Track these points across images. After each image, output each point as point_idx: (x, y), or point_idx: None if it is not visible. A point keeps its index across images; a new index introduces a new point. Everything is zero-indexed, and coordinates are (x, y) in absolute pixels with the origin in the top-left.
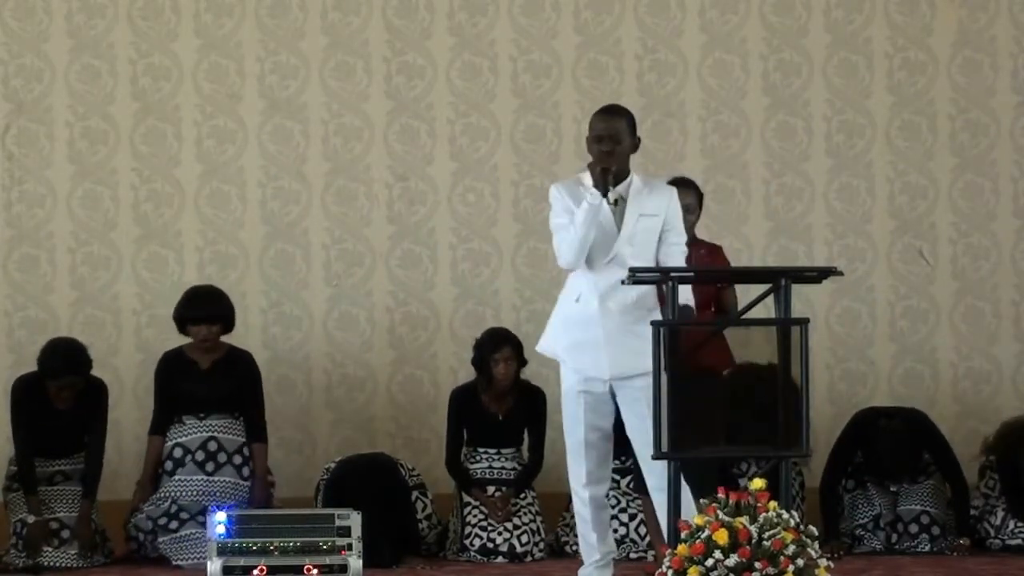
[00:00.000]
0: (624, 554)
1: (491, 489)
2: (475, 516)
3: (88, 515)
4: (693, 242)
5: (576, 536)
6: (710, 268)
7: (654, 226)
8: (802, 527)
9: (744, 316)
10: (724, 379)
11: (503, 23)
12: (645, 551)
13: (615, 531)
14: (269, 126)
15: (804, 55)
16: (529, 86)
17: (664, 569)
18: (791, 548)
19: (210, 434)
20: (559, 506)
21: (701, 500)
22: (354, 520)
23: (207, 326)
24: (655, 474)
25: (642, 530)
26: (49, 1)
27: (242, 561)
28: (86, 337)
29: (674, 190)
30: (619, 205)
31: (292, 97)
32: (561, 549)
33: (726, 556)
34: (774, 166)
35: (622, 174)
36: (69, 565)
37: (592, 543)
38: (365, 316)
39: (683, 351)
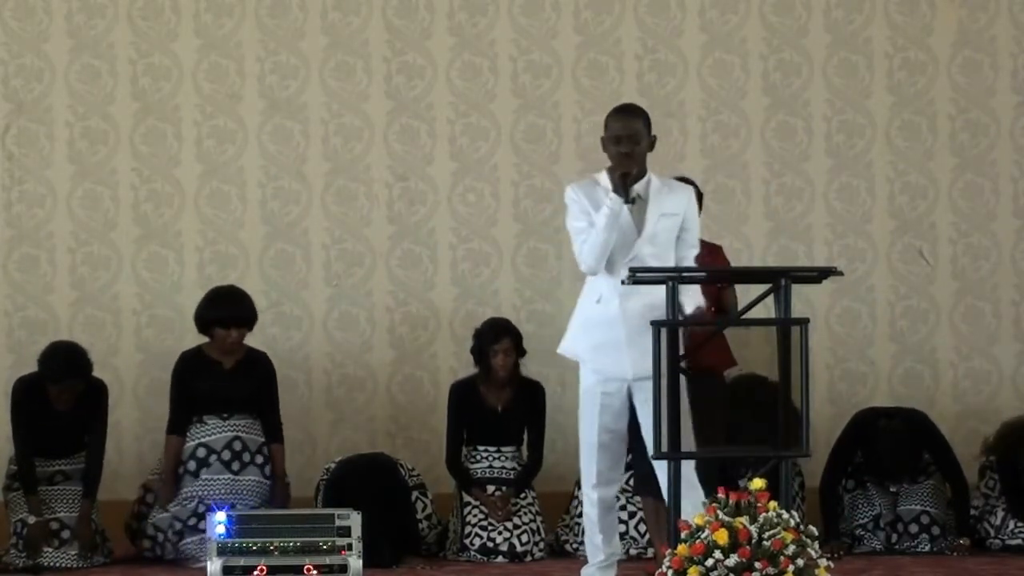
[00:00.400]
0: (624, 549)
1: (491, 488)
2: (475, 516)
3: (88, 515)
4: None
5: (577, 536)
6: (710, 268)
7: (674, 225)
8: (802, 527)
9: (744, 316)
10: (723, 380)
11: (503, 23)
12: (645, 548)
13: None
14: (269, 126)
15: (804, 55)
16: (529, 86)
17: (664, 569)
18: (791, 548)
19: (235, 434)
20: (559, 506)
21: (703, 500)
22: (354, 520)
23: (236, 329)
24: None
25: (642, 527)
26: (49, 1)
27: (242, 561)
28: (86, 337)
29: (691, 189)
30: (637, 204)
31: (292, 97)
32: (561, 549)
33: (726, 556)
34: (774, 166)
35: (639, 173)
36: (69, 565)
37: (597, 544)
38: (365, 316)
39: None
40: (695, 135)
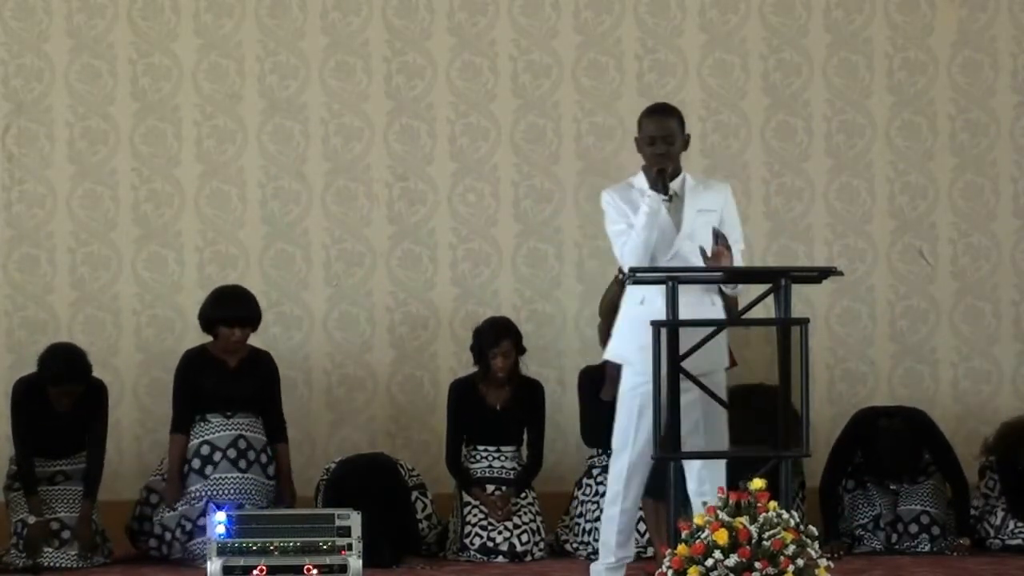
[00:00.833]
0: None
1: (491, 488)
2: (475, 515)
3: (89, 515)
4: None
5: (577, 536)
6: (710, 268)
7: (712, 221)
8: (802, 527)
9: (744, 316)
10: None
11: (503, 23)
12: (644, 548)
13: None
14: (269, 126)
15: (804, 55)
16: (529, 86)
17: (664, 569)
18: (791, 548)
19: (239, 432)
20: (559, 506)
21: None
22: (354, 520)
23: (240, 328)
24: (695, 479)
25: (642, 527)
26: (49, 1)
27: (242, 561)
28: (86, 337)
29: (728, 186)
30: (674, 201)
31: (292, 97)
32: (561, 549)
33: (726, 556)
34: (774, 166)
35: (675, 172)
36: (69, 565)
37: (611, 546)
38: (365, 316)
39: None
40: (695, 135)
